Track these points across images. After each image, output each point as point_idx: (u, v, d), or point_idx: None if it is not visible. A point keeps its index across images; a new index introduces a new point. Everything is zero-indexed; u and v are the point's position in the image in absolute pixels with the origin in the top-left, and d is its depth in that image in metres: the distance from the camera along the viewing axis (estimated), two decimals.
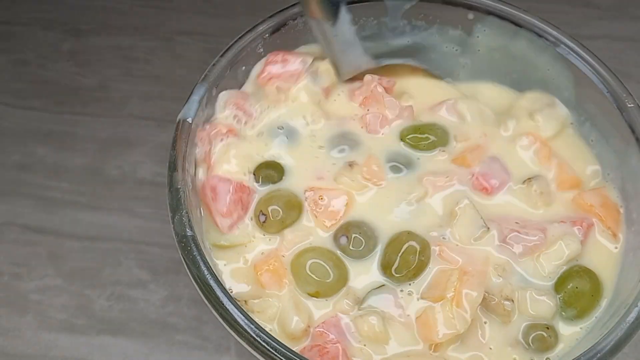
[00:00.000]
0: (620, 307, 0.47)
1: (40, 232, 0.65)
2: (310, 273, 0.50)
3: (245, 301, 0.49)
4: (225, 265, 0.51)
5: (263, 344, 0.43)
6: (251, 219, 0.53)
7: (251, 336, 0.43)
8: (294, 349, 0.44)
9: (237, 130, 0.56)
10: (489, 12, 0.58)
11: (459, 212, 0.52)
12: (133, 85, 0.75)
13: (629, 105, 0.53)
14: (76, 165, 0.70)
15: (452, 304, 0.48)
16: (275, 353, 0.43)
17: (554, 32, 0.57)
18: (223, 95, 0.56)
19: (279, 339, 0.43)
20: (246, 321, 0.44)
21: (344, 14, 0.55)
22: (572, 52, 0.56)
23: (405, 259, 0.50)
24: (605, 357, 0.44)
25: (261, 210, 0.52)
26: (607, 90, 0.54)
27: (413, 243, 0.51)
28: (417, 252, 0.50)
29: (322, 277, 0.50)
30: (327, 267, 0.50)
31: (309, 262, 0.51)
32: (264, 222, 0.52)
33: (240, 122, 0.56)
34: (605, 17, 0.81)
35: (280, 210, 0.52)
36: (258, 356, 0.43)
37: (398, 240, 0.51)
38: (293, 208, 0.53)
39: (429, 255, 0.51)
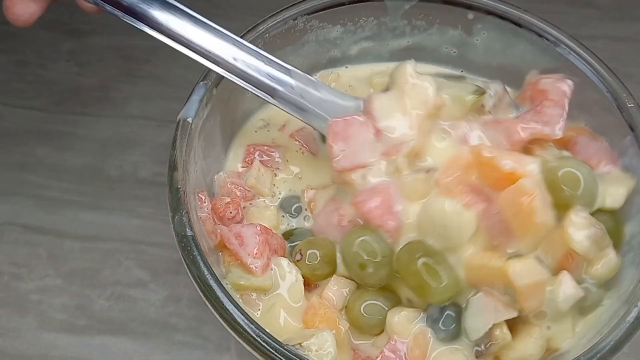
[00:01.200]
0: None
1: (40, 232, 0.65)
2: (366, 314, 0.49)
3: (300, 344, 0.46)
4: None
5: (263, 344, 0.43)
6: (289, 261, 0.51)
7: (251, 336, 0.43)
8: None
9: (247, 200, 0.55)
10: (489, 12, 0.58)
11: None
12: (133, 85, 0.75)
13: (629, 105, 0.53)
14: (76, 165, 0.70)
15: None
16: (275, 353, 0.43)
17: (554, 32, 0.57)
18: (217, 179, 0.55)
19: None
20: (246, 321, 0.43)
21: None
22: (572, 52, 0.56)
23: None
24: (605, 357, 0.44)
25: (300, 250, 0.51)
26: (607, 90, 0.54)
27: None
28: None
29: (378, 314, 0.49)
30: (379, 303, 0.50)
31: (362, 306, 0.49)
32: (298, 260, 0.51)
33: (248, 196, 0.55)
34: (605, 17, 0.81)
35: (318, 255, 0.50)
36: (258, 356, 0.43)
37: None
38: (329, 263, 0.51)
39: None
